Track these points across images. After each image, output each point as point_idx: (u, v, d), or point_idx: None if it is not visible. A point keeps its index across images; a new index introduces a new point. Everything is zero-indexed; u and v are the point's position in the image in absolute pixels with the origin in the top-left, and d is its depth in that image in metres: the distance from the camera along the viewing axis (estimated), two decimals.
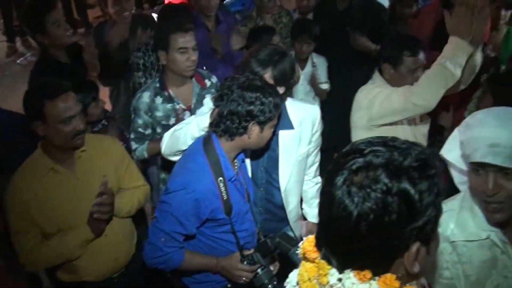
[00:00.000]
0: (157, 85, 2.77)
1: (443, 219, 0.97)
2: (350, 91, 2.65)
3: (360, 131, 2.52)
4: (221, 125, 1.93)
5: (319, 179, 2.56)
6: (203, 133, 2.11)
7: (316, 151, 2.45)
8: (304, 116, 2.31)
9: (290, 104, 2.29)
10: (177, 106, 2.75)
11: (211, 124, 2.01)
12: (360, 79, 2.71)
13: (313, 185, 2.54)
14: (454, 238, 1.48)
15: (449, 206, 1.51)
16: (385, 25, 3.91)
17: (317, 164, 2.52)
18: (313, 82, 3.70)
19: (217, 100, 1.95)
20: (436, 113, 3.25)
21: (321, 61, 3.75)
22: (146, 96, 2.73)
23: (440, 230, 0.99)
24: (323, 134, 3.78)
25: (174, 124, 2.60)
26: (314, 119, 2.34)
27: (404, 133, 2.47)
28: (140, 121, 2.75)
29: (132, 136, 2.80)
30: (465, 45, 2.07)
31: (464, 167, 1.48)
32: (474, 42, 2.10)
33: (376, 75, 2.56)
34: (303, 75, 3.69)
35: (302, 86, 3.71)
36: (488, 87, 2.78)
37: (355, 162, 0.93)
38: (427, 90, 2.20)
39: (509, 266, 1.45)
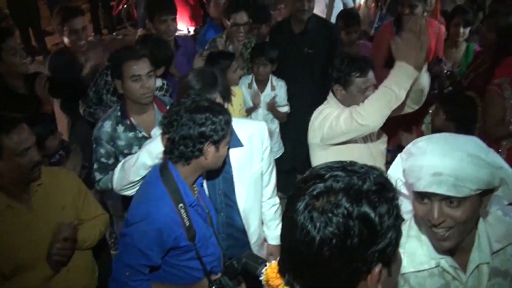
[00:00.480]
0: (118, 113, 2.70)
1: None
2: (310, 112, 2.69)
3: (316, 150, 2.54)
4: (175, 151, 1.92)
5: (276, 200, 2.55)
6: (157, 161, 2.09)
7: (270, 169, 2.44)
8: (251, 132, 2.32)
9: (236, 122, 2.23)
10: (140, 135, 2.71)
11: (165, 152, 2.00)
12: (320, 101, 2.76)
13: (270, 207, 2.53)
14: (404, 271, 1.42)
15: None
16: (341, 46, 4.02)
17: (273, 184, 2.50)
18: (271, 107, 3.74)
19: (166, 127, 1.94)
20: (395, 132, 3.34)
21: (281, 84, 3.80)
22: (107, 126, 2.67)
23: None
24: (286, 155, 3.87)
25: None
26: (262, 134, 2.35)
27: (359, 151, 2.50)
28: (102, 151, 2.67)
29: (95, 166, 2.70)
30: (411, 70, 2.15)
31: (408, 193, 1.44)
32: (418, 66, 2.18)
33: (330, 96, 2.60)
34: (263, 97, 3.73)
35: (261, 109, 3.75)
36: (440, 105, 2.89)
37: (315, 187, 0.94)
38: (372, 111, 2.26)
39: None
